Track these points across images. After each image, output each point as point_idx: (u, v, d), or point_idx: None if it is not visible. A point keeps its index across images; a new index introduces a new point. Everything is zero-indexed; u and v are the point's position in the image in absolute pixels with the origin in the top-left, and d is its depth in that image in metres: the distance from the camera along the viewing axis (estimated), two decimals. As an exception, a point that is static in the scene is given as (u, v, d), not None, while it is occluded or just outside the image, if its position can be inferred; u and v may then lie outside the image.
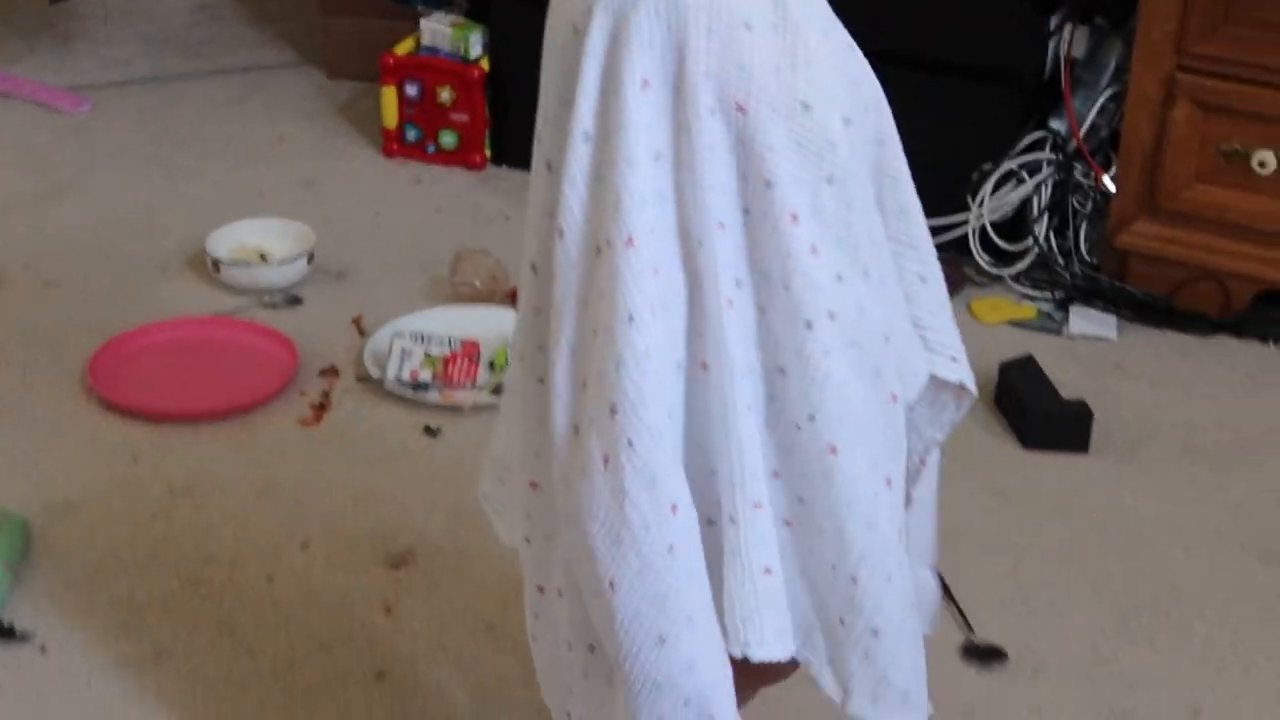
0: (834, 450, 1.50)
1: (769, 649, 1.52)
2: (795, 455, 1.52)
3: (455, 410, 2.76)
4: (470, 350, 2.85)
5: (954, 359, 1.67)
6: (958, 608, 2.35)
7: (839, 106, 1.47)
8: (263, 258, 3.16)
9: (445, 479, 2.60)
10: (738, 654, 1.52)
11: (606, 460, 1.44)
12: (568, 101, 1.46)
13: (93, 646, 2.26)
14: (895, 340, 1.56)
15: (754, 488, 1.48)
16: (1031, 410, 2.72)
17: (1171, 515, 2.57)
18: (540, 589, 1.67)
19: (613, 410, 1.43)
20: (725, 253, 1.44)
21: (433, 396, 2.77)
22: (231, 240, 3.19)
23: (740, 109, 1.41)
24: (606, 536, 1.45)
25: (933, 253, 1.65)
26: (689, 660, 1.50)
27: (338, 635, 2.29)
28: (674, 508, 1.46)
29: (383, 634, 2.29)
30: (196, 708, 2.16)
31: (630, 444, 1.43)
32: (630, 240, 1.41)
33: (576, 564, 1.52)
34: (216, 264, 3.12)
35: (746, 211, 1.45)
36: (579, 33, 1.44)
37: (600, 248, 1.43)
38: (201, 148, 3.72)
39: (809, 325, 1.46)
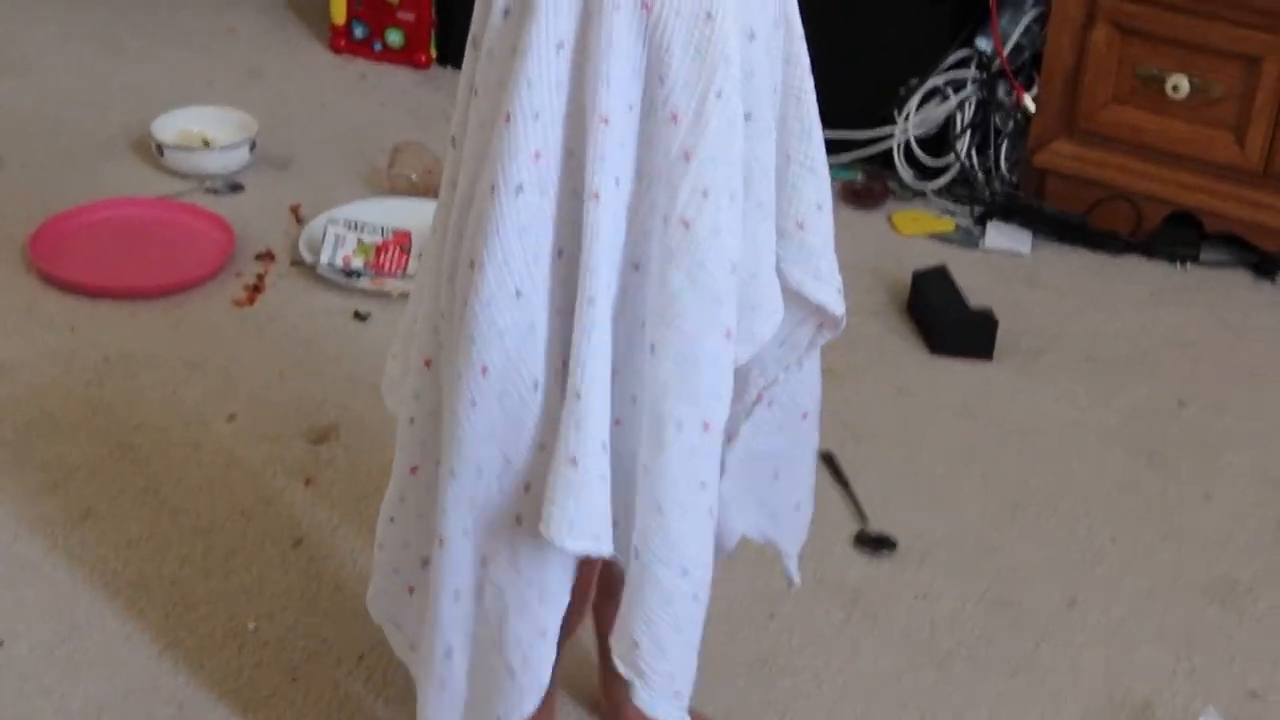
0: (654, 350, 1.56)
1: (564, 539, 1.56)
2: (634, 354, 1.58)
3: (384, 296, 2.85)
4: (402, 240, 2.93)
5: (838, 291, 1.71)
6: (853, 498, 2.46)
7: (742, 20, 1.52)
8: (206, 144, 3.24)
9: (371, 361, 2.68)
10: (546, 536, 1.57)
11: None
12: None
13: (20, 504, 2.36)
14: (751, 276, 1.59)
15: (579, 375, 1.53)
16: (939, 317, 2.82)
17: (1067, 419, 2.68)
18: (413, 469, 1.72)
19: (471, 265, 1.52)
20: (606, 147, 1.49)
21: (363, 283, 2.86)
22: (176, 125, 3.27)
23: (645, 6, 1.48)
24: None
25: (828, 179, 1.69)
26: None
27: (258, 502, 2.39)
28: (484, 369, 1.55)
29: (302, 504, 2.39)
30: (118, 565, 2.26)
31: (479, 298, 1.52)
32: (508, 118, 1.49)
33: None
34: (160, 148, 3.19)
35: (631, 109, 1.50)
36: None
37: (497, 120, 1.51)
38: (152, 33, 3.79)
39: (665, 221, 1.51)
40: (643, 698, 1.68)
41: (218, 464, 2.46)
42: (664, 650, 1.65)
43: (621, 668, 1.67)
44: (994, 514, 2.47)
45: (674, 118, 1.49)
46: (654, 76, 1.49)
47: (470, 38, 1.60)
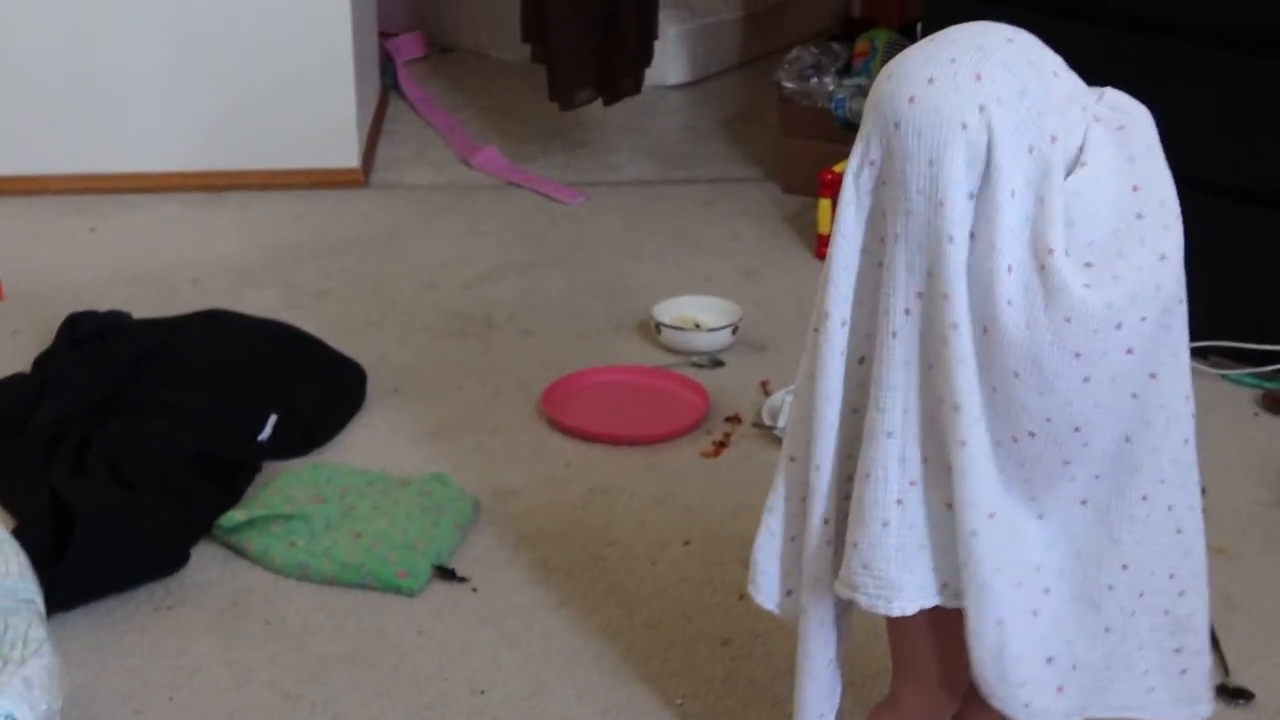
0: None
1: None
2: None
3: (830, 458, 3.30)
4: (851, 412, 3.38)
5: None
6: (1220, 653, 2.73)
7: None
8: (697, 326, 3.79)
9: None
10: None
11: None
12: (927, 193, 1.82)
13: (510, 594, 2.90)
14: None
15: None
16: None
17: None
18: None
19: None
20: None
21: (813, 445, 3.32)
22: (674, 310, 3.84)
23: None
24: None
25: None
26: None
27: (699, 609, 2.86)
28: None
29: (735, 614, 2.84)
30: (580, 645, 2.76)
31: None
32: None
33: None
34: (659, 326, 3.77)
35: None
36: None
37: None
38: (666, 238, 4.42)
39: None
40: None
41: (671, 578, 2.94)
42: None
43: None
44: (1355, 683, 2.69)
45: None
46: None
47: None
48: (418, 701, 2.63)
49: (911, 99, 1.80)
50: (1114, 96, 1.89)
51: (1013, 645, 1.95)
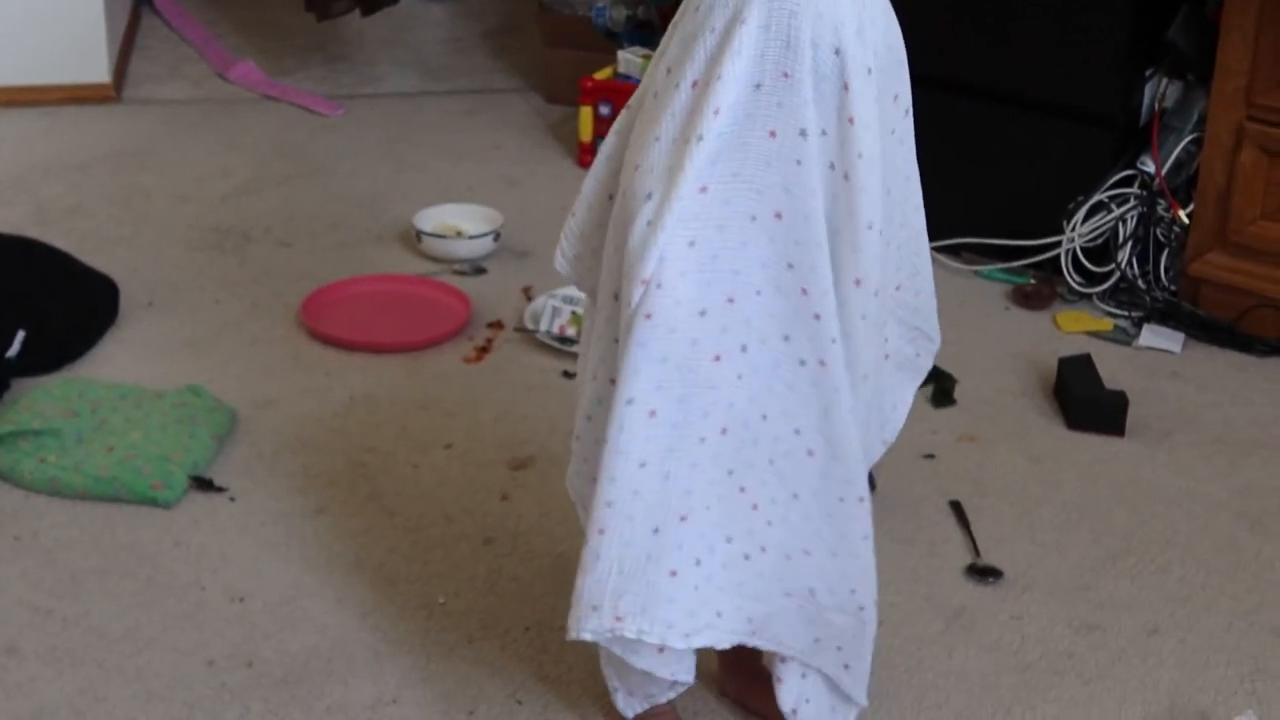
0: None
1: None
2: None
3: (591, 360, 3.31)
4: (612, 314, 3.39)
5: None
6: (971, 537, 2.80)
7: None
8: (459, 233, 3.76)
9: (572, 411, 3.14)
10: None
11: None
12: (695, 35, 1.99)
13: (270, 501, 2.86)
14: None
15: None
16: (1075, 395, 3.15)
17: (1182, 489, 2.98)
18: (612, 380, 2.10)
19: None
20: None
21: (575, 349, 3.32)
22: (436, 218, 3.81)
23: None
24: None
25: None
26: None
27: (460, 510, 2.85)
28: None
29: (496, 514, 2.84)
30: (340, 550, 2.74)
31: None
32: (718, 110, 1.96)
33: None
34: (420, 235, 3.74)
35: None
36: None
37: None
38: (429, 149, 4.37)
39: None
40: None
41: (432, 480, 2.93)
42: None
43: None
44: (1096, 559, 2.78)
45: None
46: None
47: (664, 67, 2.05)
48: (175, 610, 2.59)
49: None
50: None
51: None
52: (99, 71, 4.61)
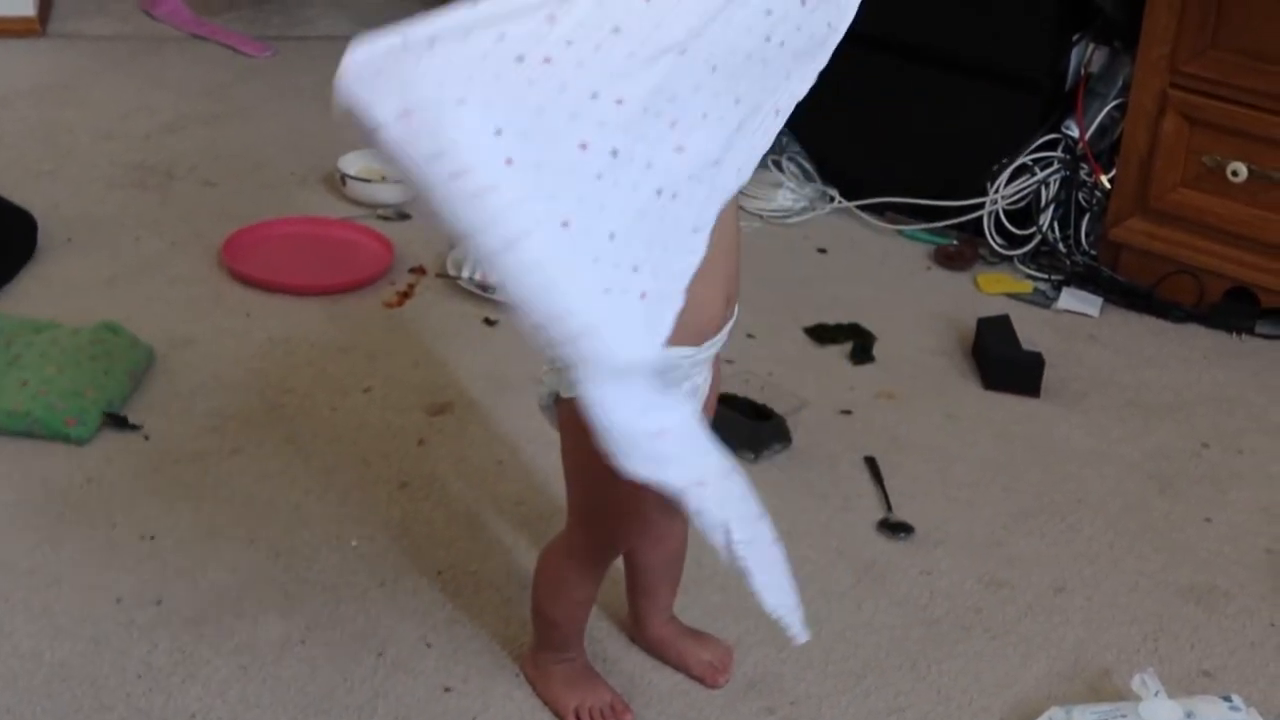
0: None
1: None
2: None
3: (513, 307, 3.31)
4: (535, 263, 3.39)
5: None
6: (883, 492, 2.83)
7: None
8: (384, 178, 3.74)
9: (493, 358, 3.14)
10: None
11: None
12: None
13: (184, 441, 2.85)
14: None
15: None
16: (992, 355, 3.18)
17: (1095, 449, 3.01)
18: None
19: None
20: None
21: (496, 295, 3.32)
22: (360, 162, 3.78)
23: None
24: None
25: None
26: None
27: (377, 454, 2.84)
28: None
29: (413, 458, 2.84)
30: (255, 490, 2.73)
31: None
32: None
33: None
34: (344, 178, 3.71)
35: None
36: None
37: None
38: (356, 93, 4.33)
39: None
40: None
41: (349, 424, 2.92)
42: None
43: None
44: (1007, 517, 2.81)
45: None
46: None
47: None
48: (85, 547, 2.57)
49: None
50: None
51: None
52: (24, 4, 4.55)
